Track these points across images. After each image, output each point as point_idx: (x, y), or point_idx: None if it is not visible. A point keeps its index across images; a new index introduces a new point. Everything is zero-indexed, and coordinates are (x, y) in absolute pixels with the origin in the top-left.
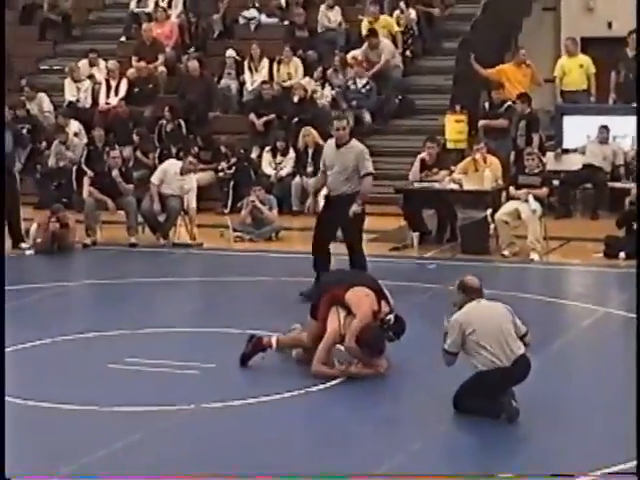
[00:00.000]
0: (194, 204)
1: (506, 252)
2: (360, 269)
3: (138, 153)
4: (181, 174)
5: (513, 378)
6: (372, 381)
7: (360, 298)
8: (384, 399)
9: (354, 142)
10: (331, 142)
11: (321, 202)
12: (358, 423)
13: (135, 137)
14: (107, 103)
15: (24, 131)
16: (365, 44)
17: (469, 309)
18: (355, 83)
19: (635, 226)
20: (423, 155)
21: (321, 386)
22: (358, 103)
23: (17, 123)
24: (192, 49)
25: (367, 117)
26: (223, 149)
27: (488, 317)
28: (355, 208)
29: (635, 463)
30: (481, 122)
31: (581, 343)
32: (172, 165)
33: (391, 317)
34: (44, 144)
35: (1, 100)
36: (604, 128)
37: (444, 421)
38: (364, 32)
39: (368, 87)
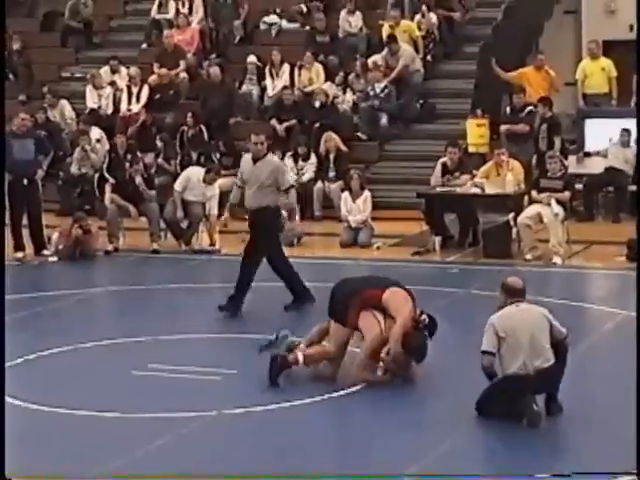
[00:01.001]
0: (215, 211)
1: (528, 256)
2: (284, 275)
3: (160, 159)
4: (204, 182)
5: (534, 387)
6: (395, 385)
7: (399, 301)
8: (408, 403)
9: (270, 157)
10: (247, 156)
11: None
12: (383, 427)
13: (159, 143)
14: (129, 110)
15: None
16: (385, 49)
17: (505, 313)
18: (373, 88)
19: None
20: (444, 159)
21: (342, 392)
22: (376, 108)
23: (37, 130)
24: (213, 55)
25: (384, 121)
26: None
27: (520, 324)
28: (290, 224)
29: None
30: (503, 126)
31: (604, 346)
32: (195, 172)
33: (425, 317)
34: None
35: (1, 102)
36: (626, 131)
37: (469, 424)
38: (384, 37)
39: (387, 91)
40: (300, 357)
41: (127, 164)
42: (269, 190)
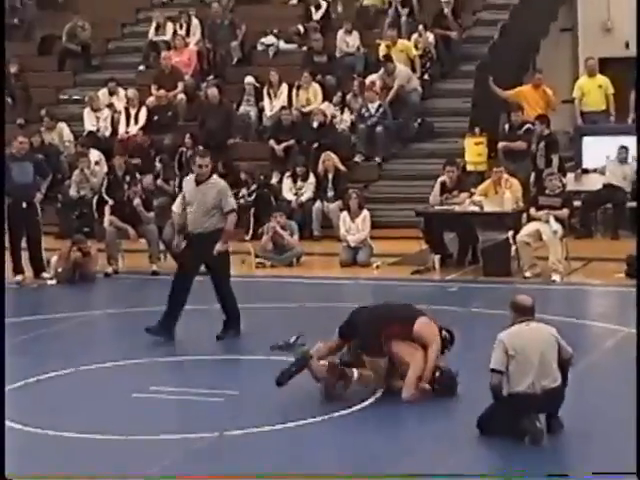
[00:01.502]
0: None
1: (528, 273)
2: (230, 311)
3: (159, 181)
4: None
5: (539, 406)
6: (398, 403)
7: (432, 333)
8: (410, 422)
9: (215, 179)
10: (190, 178)
11: None
12: (386, 446)
13: (158, 164)
14: (127, 132)
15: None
16: (382, 69)
17: (515, 331)
18: (368, 109)
19: None
20: (443, 178)
21: (343, 412)
22: (373, 127)
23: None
24: (211, 76)
25: (380, 141)
26: (243, 176)
27: (530, 343)
28: (220, 247)
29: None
30: (500, 144)
31: (605, 363)
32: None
33: (445, 334)
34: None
35: (1, 114)
36: (623, 148)
37: (471, 442)
38: (381, 57)
39: (381, 110)
40: (356, 374)
41: (125, 186)
42: (214, 212)
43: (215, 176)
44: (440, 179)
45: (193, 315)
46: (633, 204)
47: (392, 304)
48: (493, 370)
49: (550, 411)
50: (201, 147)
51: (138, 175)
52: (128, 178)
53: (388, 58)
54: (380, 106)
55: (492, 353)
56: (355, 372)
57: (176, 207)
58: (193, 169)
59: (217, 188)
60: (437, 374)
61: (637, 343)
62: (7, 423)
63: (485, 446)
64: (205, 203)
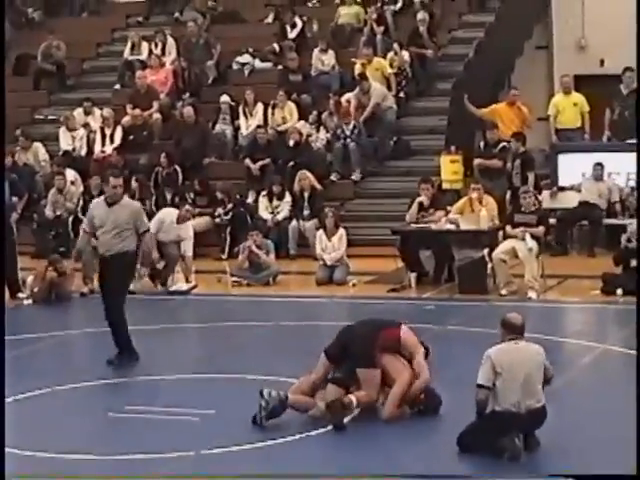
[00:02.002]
0: (190, 252)
1: (504, 291)
2: (120, 338)
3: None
4: (178, 223)
5: (523, 426)
6: (375, 423)
7: (415, 341)
8: (388, 440)
9: (127, 200)
10: (100, 200)
11: None
12: (364, 465)
13: (134, 184)
14: (102, 151)
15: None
16: (357, 88)
17: (503, 348)
18: (342, 129)
19: (632, 263)
20: (421, 198)
21: (320, 430)
22: (346, 146)
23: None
24: (187, 95)
25: (355, 160)
26: (219, 195)
27: (518, 362)
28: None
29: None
30: (476, 162)
31: (582, 380)
32: (168, 214)
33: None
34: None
35: (1, 121)
36: (599, 165)
37: (452, 460)
38: (356, 75)
39: (356, 131)
40: (354, 400)
41: None
42: (128, 233)
43: (126, 197)
44: (418, 199)
45: (169, 334)
46: (609, 221)
47: (375, 318)
48: (480, 386)
49: (532, 430)
50: (177, 166)
51: None
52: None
53: (363, 76)
54: (355, 126)
55: (479, 369)
56: (353, 398)
57: (152, 228)
58: (105, 190)
59: (130, 209)
60: (422, 395)
61: (637, 357)
62: None
63: (465, 464)
64: (118, 224)
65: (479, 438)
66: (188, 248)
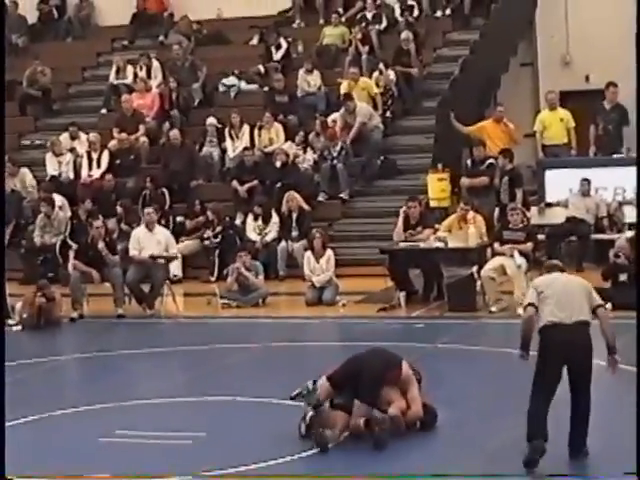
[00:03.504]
0: (178, 272)
1: (493, 308)
2: None
3: (122, 225)
4: (148, 230)
5: (573, 339)
6: (367, 442)
7: (410, 372)
8: (383, 457)
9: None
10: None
11: None
12: None
13: (119, 208)
14: (89, 175)
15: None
16: (343, 108)
17: (547, 276)
18: (329, 150)
19: (621, 277)
20: (405, 212)
21: (311, 452)
22: (334, 166)
23: None
24: (173, 118)
25: (342, 180)
26: (210, 216)
27: (562, 283)
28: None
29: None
30: (463, 180)
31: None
32: (139, 230)
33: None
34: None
35: (1, 126)
36: (585, 181)
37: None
38: (342, 95)
39: (343, 152)
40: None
41: (89, 229)
42: None
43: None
44: (402, 211)
45: (159, 358)
46: (597, 236)
47: (377, 350)
48: (528, 305)
49: (579, 355)
50: (164, 189)
51: (101, 218)
52: (91, 221)
53: (348, 96)
54: (342, 147)
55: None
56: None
57: (131, 250)
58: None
59: None
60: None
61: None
62: None
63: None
64: None
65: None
66: (175, 269)
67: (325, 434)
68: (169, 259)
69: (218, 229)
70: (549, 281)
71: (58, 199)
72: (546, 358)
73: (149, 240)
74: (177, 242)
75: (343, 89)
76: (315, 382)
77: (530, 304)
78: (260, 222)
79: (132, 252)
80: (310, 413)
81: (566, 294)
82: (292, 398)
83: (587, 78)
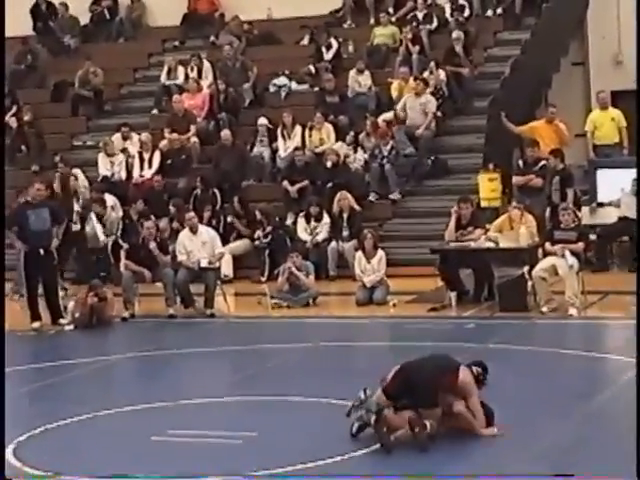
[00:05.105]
0: (229, 272)
1: (545, 308)
2: None
3: (175, 224)
4: (192, 233)
5: None
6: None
7: (470, 377)
8: (434, 461)
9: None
10: None
11: None
12: None
13: (171, 208)
14: (141, 176)
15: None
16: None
17: None
18: (380, 150)
19: None
20: (456, 210)
21: (365, 450)
22: (383, 166)
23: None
24: (221, 119)
25: (391, 180)
26: (259, 216)
27: None
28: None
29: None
30: (515, 180)
31: (624, 396)
32: (183, 234)
33: (477, 369)
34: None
35: (1, 111)
36: (638, 180)
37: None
38: (394, 95)
39: (394, 153)
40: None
41: (141, 229)
42: None
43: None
44: (454, 214)
45: (210, 357)
46: None
47: (433, 355)
48: None
49: None
50: (215, 189)
51: (153, 218)
52: (142, 221)
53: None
54: (392, 148)
55: None
56: (427, 424)
57: (179, 255)
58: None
59: None
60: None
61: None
62: (27, 470)
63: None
64: None
65: None
66: (225, 269)
67: (388, 436)
68: (216, 266)
69: (268, 229)
70: None
71: (110, 199)
72: None
73: (194, 243)
74: (228, 242)
75: (393, 89)
76: (365, 390)
77: None
78: (311, 222)
79: (180, 257)
80: (373, 417)
81: None
82: (348, 415)
83: (638, 77)
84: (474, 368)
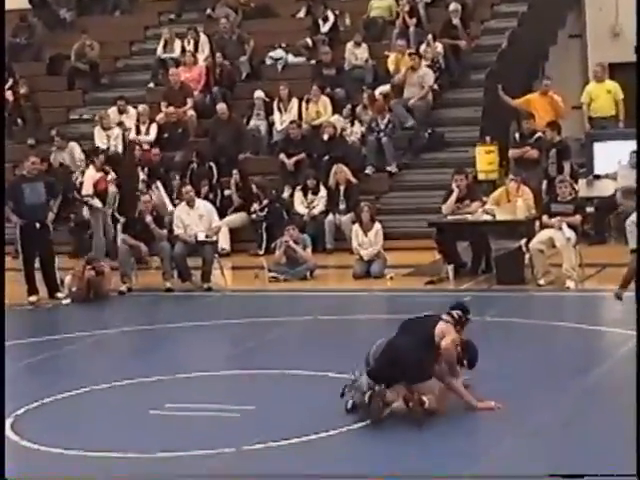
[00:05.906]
0: (225, 245)
1: (542, 281)
2: None
3: (173, 196)
4: (189, 207)
5: None
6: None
7: (447, 327)
8: (431, 432)
9: None
10: None
11: None
12: (405, 458)
13: (174, 182)
14: (138, 142)
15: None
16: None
17: None
18: (377, 123)
19: None
20: (458, 184)
21: (361, 424)
22: (380, 139)
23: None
24: (220, 91)
25: (388, 154)
26: (255, 190)
27: None
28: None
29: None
30: (511, 152)
31: (621, 369)
32: (180, 208)
33: (459, 312)
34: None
35: (1, 103)
36: (635, 153)
37: (488, 456)
38: (391, 67)
39: (390, 126)
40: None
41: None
42: None
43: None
44: (455, 188)
45: (207, 331)
46: None
47: (406, 327)
48: None
49: None
50: (211, 163)
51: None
52: (139, 195)
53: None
54: (389, 121)
55: None
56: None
57: (176, 229)
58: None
59: None
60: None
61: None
62: (25, 443)
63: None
64: None
65: None
66: (222, 242)
67: (382, 410)
68: (214, 240)
69: (265, 202)
70: None
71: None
72: None
73: (191, 217)
74: (225, 216)
75: (390, 62)
76: (354, 371)
77: None
78: (308, 195)
79: (177, 231)
80: (367, 395)
81: None
82: (342, 395)
83: (637, 49)
84: (454, 312)
